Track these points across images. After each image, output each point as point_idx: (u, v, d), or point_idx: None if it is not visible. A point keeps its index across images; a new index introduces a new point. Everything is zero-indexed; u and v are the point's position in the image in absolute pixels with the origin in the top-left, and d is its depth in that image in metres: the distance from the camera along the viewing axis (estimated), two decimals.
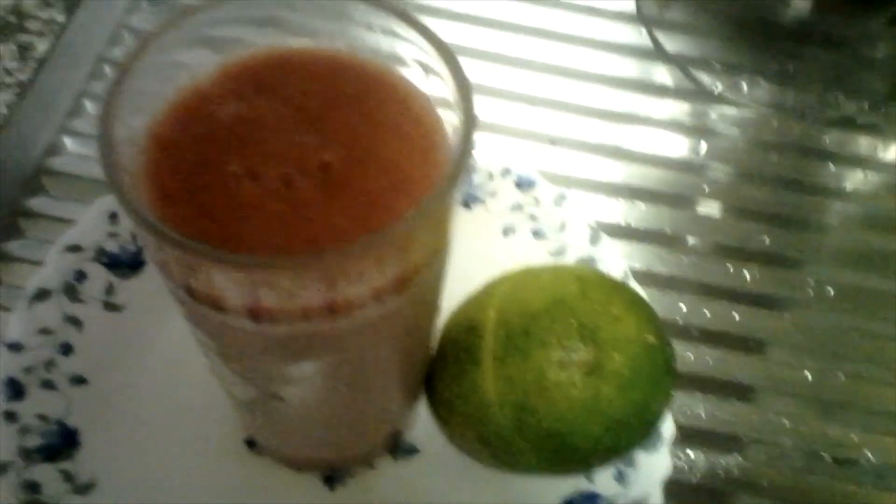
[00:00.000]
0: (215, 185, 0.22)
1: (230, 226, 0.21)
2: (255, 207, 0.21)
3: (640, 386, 0.28)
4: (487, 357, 0.29)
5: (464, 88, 0.22)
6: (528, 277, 0.31)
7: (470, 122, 0.21)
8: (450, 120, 0.23)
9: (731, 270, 0.41)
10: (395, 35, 0.23)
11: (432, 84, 0.23)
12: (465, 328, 0.30)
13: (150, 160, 0.22)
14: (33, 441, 0.32)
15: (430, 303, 0.26)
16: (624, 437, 0.29)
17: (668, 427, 0.33)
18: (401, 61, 0.24)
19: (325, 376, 0.25)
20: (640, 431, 0.29)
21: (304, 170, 0.22)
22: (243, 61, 0.24)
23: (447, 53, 0.22)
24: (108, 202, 0.36)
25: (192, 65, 0.23)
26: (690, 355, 0.39)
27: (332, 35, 0.24)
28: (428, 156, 0.23)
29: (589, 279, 0.30)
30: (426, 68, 0.23)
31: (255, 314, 0.21)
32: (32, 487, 0.31)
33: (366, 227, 0.21)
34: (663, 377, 0.29)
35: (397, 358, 0.27)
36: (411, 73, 0.24)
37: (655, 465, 0.33)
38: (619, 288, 0.30)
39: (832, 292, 0.41)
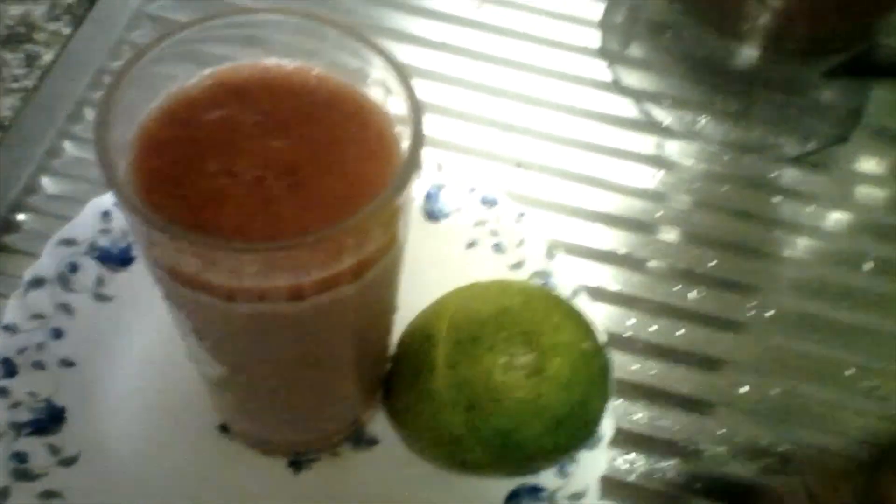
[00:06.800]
0: (196, 179, 0.25)
1: (208, 215, 0.24)
2: (231, 201, 0.24)
3: (578, 387, 0.31)
4: (440, 363, 0.31)
5: (415, 107, 0.25)
6: (476, 290, 0.34)
7: (418, 137, 0.24)
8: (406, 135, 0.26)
9: (680, 291, 0.44)
10: (362, 58, 0.26)
11: (392, 103, 0.27)
12: (419, 338, 0.33)
13: (140, 156, 0.25)
14: (23, 416, 0.34)
15: (383, 296, 0.29)
16: (565, 435, 0.32)
17: (607, 427, 0.36)
18: (366, 81, 0.27)
19: (287, 358, 0.28)
20: (580, 431, 0.32)
21: (274, 171, 0.25)
22: (226, 74, 0.27)
23: (404, 76, 0.25)
24: (102, 202, 0.39)
25: (181, 75, 0.27)
26: (635, 366, 0.42)
27: (307, 54, 0.27)
28: (385, 166, 0.26)
29: (532, 292, 0.33)
30: (387, 89, 0.26)
31: (227, 294, 0.24)
32: (20, 458, 0.33)
33: (327, 223, 0.24)
34: (600, 380, 0.32)
35: (354, 348, 0.30)
36: (374, 93, 0.27)
37: (594, 461, 0.36)
38: (559, 301, 0.33)
39: (772, 314, 0.44)
